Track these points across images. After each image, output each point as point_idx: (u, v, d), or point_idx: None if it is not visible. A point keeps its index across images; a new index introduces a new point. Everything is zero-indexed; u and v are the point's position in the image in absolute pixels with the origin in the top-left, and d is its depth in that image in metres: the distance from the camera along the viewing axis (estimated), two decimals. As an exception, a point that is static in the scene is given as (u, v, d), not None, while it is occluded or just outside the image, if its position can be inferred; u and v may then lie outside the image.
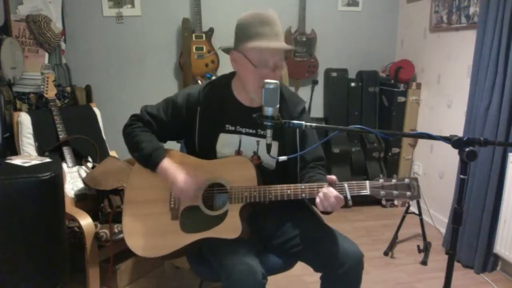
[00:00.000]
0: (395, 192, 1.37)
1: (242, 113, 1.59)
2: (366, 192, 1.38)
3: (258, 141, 1.61)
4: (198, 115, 1.60)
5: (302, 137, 1.62)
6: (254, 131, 1.61)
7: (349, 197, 1.36)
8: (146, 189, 1.62)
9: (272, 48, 1.47)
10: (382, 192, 1.37)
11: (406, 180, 1.37)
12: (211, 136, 1.61)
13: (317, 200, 1.38)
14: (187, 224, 1.54)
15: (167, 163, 1.56)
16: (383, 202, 1.43)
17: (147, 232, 1.59)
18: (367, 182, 1.38)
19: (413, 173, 3.53)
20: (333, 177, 1.39)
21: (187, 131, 1.64)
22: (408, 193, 1.36)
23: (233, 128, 1.62)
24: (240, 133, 1.62)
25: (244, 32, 1.50)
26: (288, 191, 1.45)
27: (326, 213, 1.42)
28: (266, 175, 1.57)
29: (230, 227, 1.47)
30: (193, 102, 1.61)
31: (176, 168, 1.54)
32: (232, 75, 1.65)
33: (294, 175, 1.61)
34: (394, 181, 1.38)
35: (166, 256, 1.57)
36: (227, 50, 1.61)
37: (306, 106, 1.70)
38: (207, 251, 1.56)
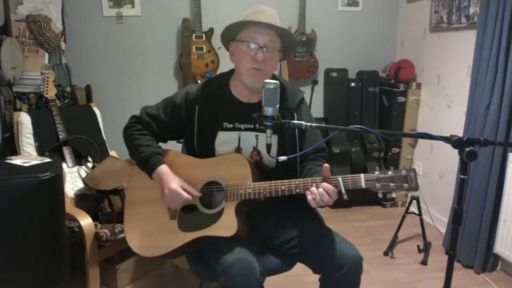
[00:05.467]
0: (391, 184, 1.31)
1: (240, 109, 1.59)
2: (361, 185, 1.34)
3: (257, 136, 1.61)
4: (197, 114, 1.61)
5: (301, 130, 1.60)
6: (252, 126, 1.61)
7: (343, 191, 1.35)
8: (145, 189, 1.62)
9: (257, 21, 1.48)
10: (378, 185, 1.32)
11: (403, 172, 1.32)
12: (209, 135, 1.61)
13: (309, 197, 1.37)
14: (184, 223, 1.54)
15: (162, 171, 1.55)
16: (380, 195, 1.37)
17: (146, 231, 1.59)
18: (362, 175, 1.35)
19: (413, 173, 3.52)
20: (327, 165, 1.38)
21: (187, 130, 1.64)
22: (406, 185, 1.31)
23: (231, 126, 1.61)
24: (239, 129, 1.61)
25: (240, 23, 1.54)
26: (282, 187, 1.43)
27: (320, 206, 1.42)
28: (266, 171, 1.57)
29: (226, 225, 1.46)
30: (191, 101, 1.62)
31: (170, 178, 1.53)
32: (230, 73, 1.66)
33: (295, 170, 1.61)
34: (390, 173, 1.33)
35: (165, 256, 1.57)
36: (226, 45, 1.63)
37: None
38: (205, 250, 1.55)
